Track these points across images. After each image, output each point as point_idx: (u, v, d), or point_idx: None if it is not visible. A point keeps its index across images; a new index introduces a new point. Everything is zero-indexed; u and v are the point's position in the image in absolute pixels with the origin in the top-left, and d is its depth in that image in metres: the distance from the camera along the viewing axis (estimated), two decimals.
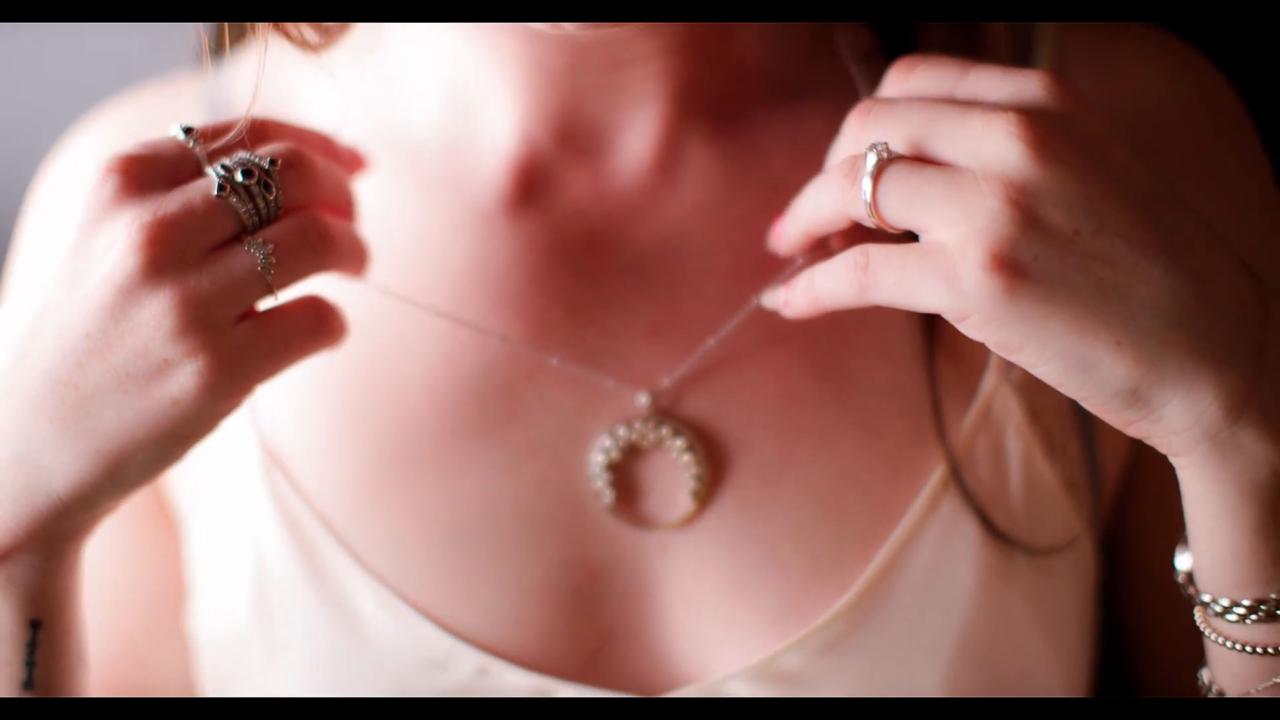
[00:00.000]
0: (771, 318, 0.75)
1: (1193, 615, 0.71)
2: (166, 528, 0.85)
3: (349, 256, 0.73)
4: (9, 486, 0.68)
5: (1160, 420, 0.64)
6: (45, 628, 0.73)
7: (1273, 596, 0.68)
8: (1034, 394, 0.78)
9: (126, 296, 0.65)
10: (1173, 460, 0.67)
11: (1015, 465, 0.77)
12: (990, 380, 0.77)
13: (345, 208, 0.75)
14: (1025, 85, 0.65)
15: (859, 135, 0.67)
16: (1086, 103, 0.65)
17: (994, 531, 0.76)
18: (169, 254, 0.65)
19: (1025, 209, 0.61)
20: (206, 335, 0.66)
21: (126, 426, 0.66)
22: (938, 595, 0.75)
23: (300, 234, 0.69)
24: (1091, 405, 0.65)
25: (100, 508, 0.70)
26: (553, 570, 0.76)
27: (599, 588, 0.76)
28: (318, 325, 0.71)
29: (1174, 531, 0.74)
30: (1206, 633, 0.71)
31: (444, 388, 0.77)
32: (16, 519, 0.68)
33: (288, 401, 0.79)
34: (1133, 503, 0.85)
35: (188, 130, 0.70)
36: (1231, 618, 0.69)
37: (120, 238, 0.66)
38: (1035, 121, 0.62)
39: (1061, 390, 0.64)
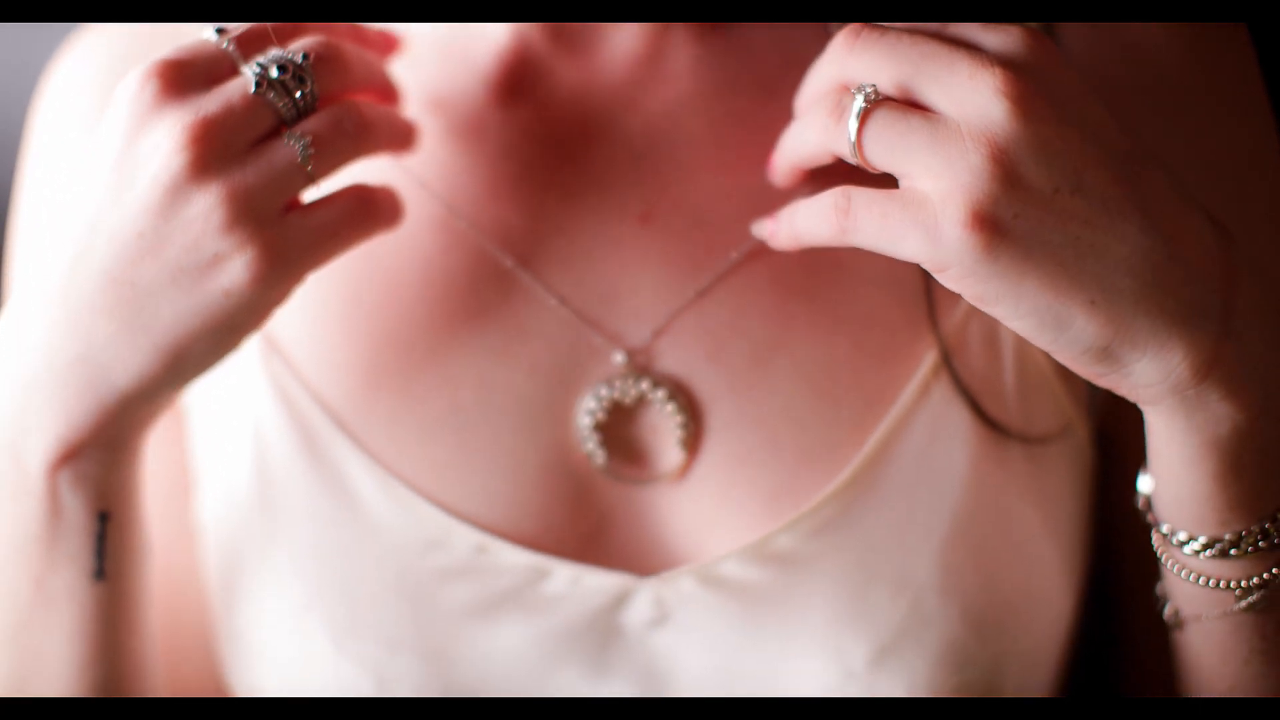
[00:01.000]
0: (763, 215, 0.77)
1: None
2: (173, 420, 0.85)
3: (389, 138, 0.74)
4: (74, 384, 0.70)
5: (1129, 376, 0.66)
6: (113, 519, 0.75)
7: (1227, 536, 0.71)
8: None
9: (175, 195, 0.67)
10: (1140, 406, 0.69)
11: (1008, 352, 0.78)
12: None
13: (382, 90, 0.76)
14: (1009, 38, 0.66)
15: (845, 62, 0.67)
16: (1066, 62, 0.66)
17: (985, 419, 0.76)
18: (212, 151, 0.67)
19: (1007, 166, 0.62)
20: (254, 227, 0.68)
21: (182, 320, 0.69)
22: (930, 478, 0.76)
23: (336, 123, 0.71)
24: (1062, 358, 0.66)
25: (161, 400, 0.72)
26: (549, 452, 0.77)
27: (595, 470, 0.77)
28: (364, 212, 0.72)
29: None
30: (1164, 559, 0.74)
31: (439, 274, 0.78)
32: (84, 415, 0.71)
33: None
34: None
35: (220, 31, 0.71)
36: (1188, 550, 0.72)
37: (164, 139, 0.67)
38: (1020, 78, 0.63)
39: (1034, 343, 0.66)
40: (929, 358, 0.77)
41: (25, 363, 0.71)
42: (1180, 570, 0.74)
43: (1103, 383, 0.67)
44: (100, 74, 0.85)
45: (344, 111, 0.71)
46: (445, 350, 0.77)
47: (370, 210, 0.73)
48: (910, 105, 0.65)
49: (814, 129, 0.68)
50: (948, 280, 0.64)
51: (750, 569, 0.76)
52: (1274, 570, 0.72)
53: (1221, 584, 0.73)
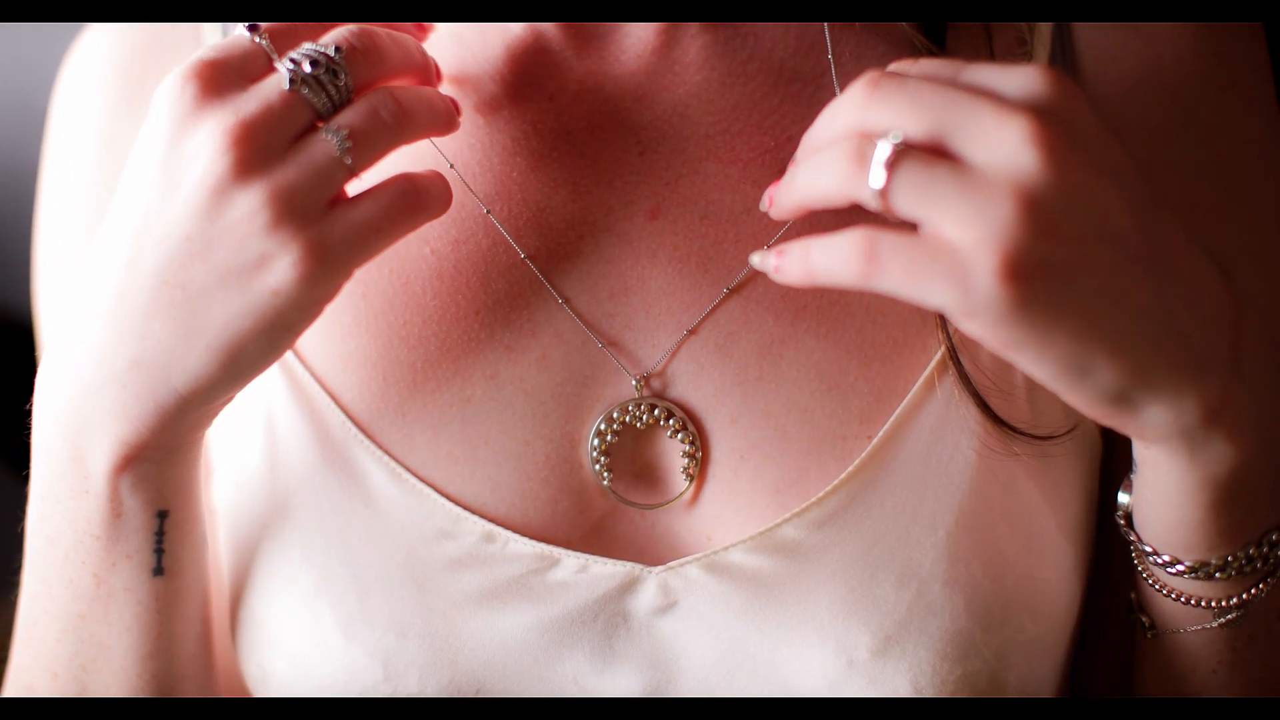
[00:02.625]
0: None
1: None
2: None
3: (429, 121, 0.73)
4: (132, 388, 0.71)
5: (1139, 418, 0.66)
6: (171, 516, 0.77)
7: (1213, 561, 0.73)
8: None
9: (219, 197, 0.68)
10: (1138, 445, 0.70)
11: None
12: None
13: (419, 72, 0.75)
14: (1031, 81, 0.64)
15: (865, 110, 0.65)
16: (1086, 101, 0.65)
17: (992, 416, 0.77)
18: (254, 152, 0.67)
19: (1039, 216, 0.61)
20: (298, 225, 0.68)
21: (234, 320, 0.69)
22: (937, 471, 0.77)
23: (372, 114, 0.70)
24: (1076, 403, 0.66)
25: (219, 399, 0.73)
26: (557, 445, 0.78)
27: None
28: (410, 203, 0.72)
29: None
30: (1144, 575, 0.77)
31: (450, 268, 0.78)
32: (143, 418, 0.72)
33: None
34: None
35: (253, 28, 0.71)
36: (1171, 571, 0.74)
37: (206, 143, 0.68)
38: (1048, 126, 0.62)
39: (1049, 388, 0.65)
40: (938, 352, 0.78)
41: (83, 366, 0.72)
42: (1161, 588, 0.76)
43: (1109, 423, 0.68)
44: (117, 61, 0.86)
45: (380, 100, 0.71)
46: (456, 343, 0.78)
47: (417, 200, 0.72)
48: (936, 153, 0.63)
49: (831, 174, 0.65)
50: (974, 327, 0.63)
51: (756, 558, 0.76)
52: (1253, 590, 0.75)
53: (1201, 603, 0.76)
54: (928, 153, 0.63)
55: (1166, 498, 0.72)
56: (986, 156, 0.62)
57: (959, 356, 0.77)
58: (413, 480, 0.78)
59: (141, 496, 0.75)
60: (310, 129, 0.70)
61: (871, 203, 0.63)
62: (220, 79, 0.69)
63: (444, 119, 0.74)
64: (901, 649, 0.75)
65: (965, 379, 0.77)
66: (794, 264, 0.66)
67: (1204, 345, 0.65)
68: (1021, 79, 0.64)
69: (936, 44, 0.79)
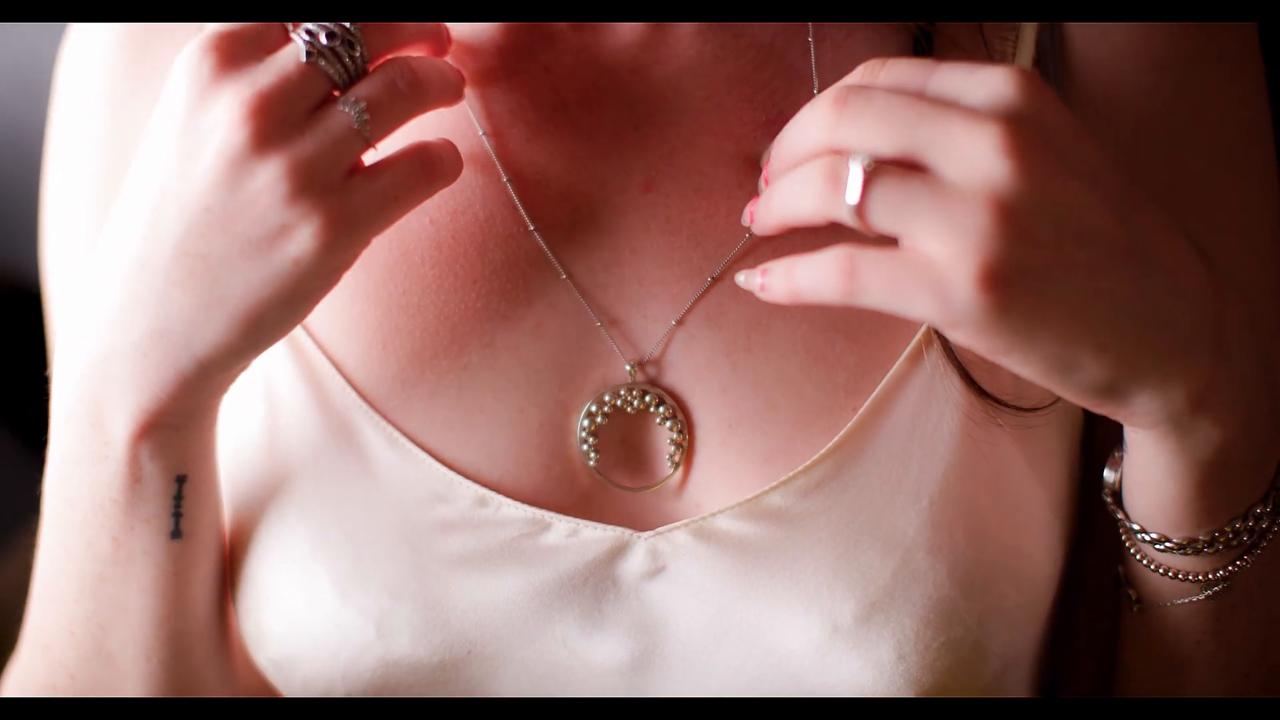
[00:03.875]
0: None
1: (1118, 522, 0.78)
2: None
3: (442, 92, 0.74)
4: (153, 356, 0.73)
5: (1129, 407, 0.68)
6: (189, 481, 0.78)
7: (1200, 537, 0.75)
8: None
9: (238, 169, 0.69)
10: (1128, 429, 0.72)
11: None
12: None
13: (432, 42, 0.76)
14: (998, 86, 0.64)
15: (835, 128, 0.66)
16: (1056, 101, 0.65)
17: (976, 388, 0.78)
18: (272, 124, 0.69)
19: (1013, 224, 0.62)
20: (317, 196, 0.69)
21: (254, 289, 0.70)
22: (922, 441, 0.78)
23: (388, 85, 0.71)
24: (1066, 395, 0.68)
25: (238, 366, 0.75)
26: (551, 412, 0.79)
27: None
28: (425, 172, 0.73)
29: None
30: (1131, 550, 0.78)
31: (448, 237, 0.80)
32: (163, 385, 0.73)
33: None
34: None
35: None
36: (1159, 547, 0.76)
37: (224, 114, 0.69)
38: (1018, 133, 0.63)
39: (1039, 384, 0.67)
40: (924, 325, 0.79)
41: (103, 336, 0.73)
42: (1148, 563, 0.78)
43: (1099, 411, 0.69)
44: (121, 28, 0.86)
45: (396, 71, 0.72)
46: (454, 312, 0.79)
47: (431, 169, 0.73)
48: (907, 167, 0.64)
49: (808, 195, 0.66)
50: (958, 336, 0.64)
51: (744, 524, 0.78)
52: (1239, 563, 0.77)
53: (1189, 577, 0.78)
54: (901, 168, 0.64)
55: (1155, 478, 0.74)
56: (958, 169, 0.63)
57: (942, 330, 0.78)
58: (409, 445, 0.79)
59: (161, 462, 0.77)
60: (327, 100, 0.71)
61: (849, 221, 0.65)
62: (238, 50, 0.70)
63: (455, 89, 0.76)
64: (886, 615, 0.76)
65: (950, 352, 0.78)
66: (778, 282, 0.68)
67: (1188, 331, 0.67)
68: (990, 85, 0.64)
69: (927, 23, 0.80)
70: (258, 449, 0.82)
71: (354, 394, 0.80)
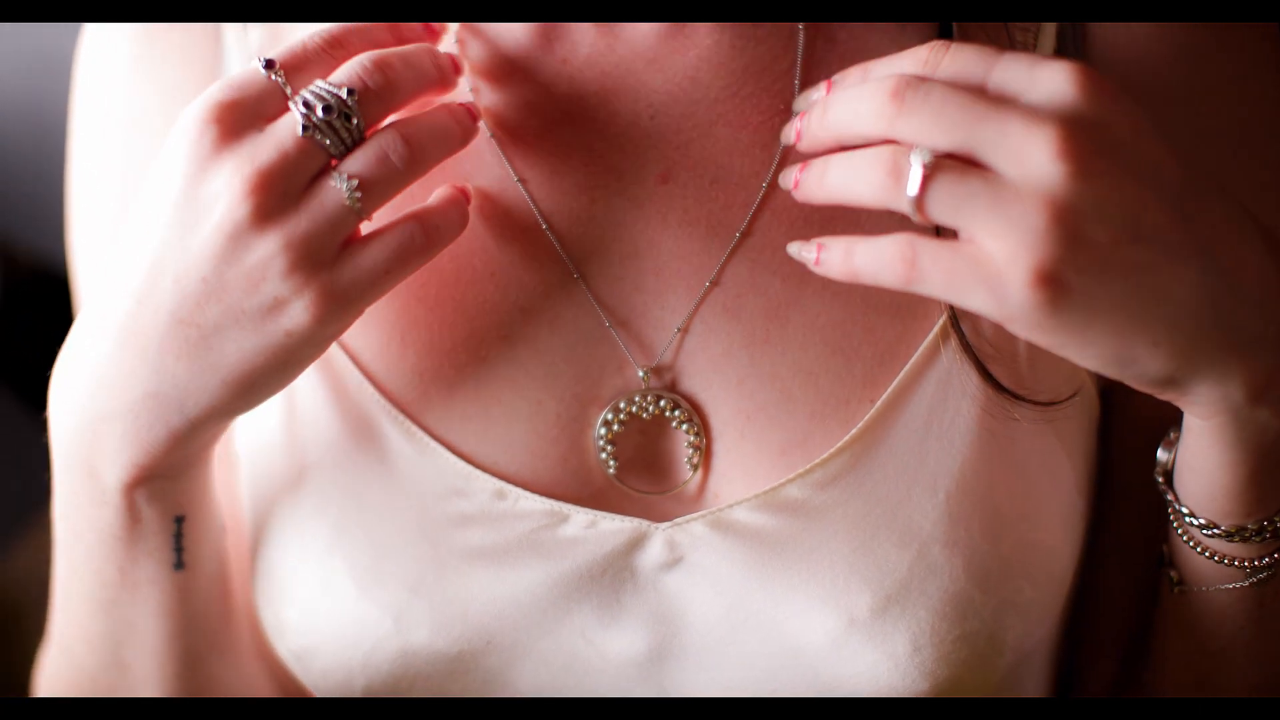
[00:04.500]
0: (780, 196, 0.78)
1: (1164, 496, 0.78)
2: None
3: (440, 152, 0.75)
4: (146, 418, 0.74)
5: (1189, 397, 0.69)
6: (188, 520, 0.80)
7: (1250, 526, 0.75)
8: None
9: (237, 242, 0.70)
10: (1187, 415, 0.73)
11: None
12: None
13: (434, 87, 0.76)
14: (1057, 83, 0.65)
15: (894, 119, 0.67)
16: (1117, 98, 0.66)
17: (993, 383, 0.78)
18: (271, 201, 0.70)
19: (1068, 226, 0.63)
20: (312, 271, 0.70)
21: (247, 357, 0.72)
22: (939, 434, 0.78)
23: (380, 159, 0.72)
24: (1128, 383, 0.69)
25: (230, 421, 0.76)
26: (568, 404, 0.79)
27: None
28: (415, 244, 0.74)
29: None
30: (1179, 532, 0.79)
31: (466, 231, 0.79)
32: (156, 443, 0.75)
33: None
34: None
35: (269, 64, 0.73)
36: (1206, 532, 0.77)
37: (225, 189, 0.70)
38: (1074, 136, 0.63)
39: (1099, 372, 0.68)
40: (942, 316, 0.79)
41: (95, 396, 0.75)
42: (1195, 546, 0.79)
43: (1162, 398, 0.70)
44: (137, 27, 0.87)
45: (389, 144, 0.72)
46: (471, 304, 0.79)
47: (425, 240, 0.74)
48: (967, 164, 0.65)
49: (867, 184, 0.67)
50: (1014, 330, 0.66)
51: (761, 516, 0.78)
52: None
53: (1235, 562, 0.78)
54: (960, 164, 0.65)
55: (1209, 466, 0.75)
56: (1016, 170, 0.64)
57: (960, 324, 0.78)
58: (426, 439, 0.79)
59: (158, 506, 0.79)
60: (323, 171, 0.72)
61: (909, 212, 0.66)
62: (238, 122, 0.71)
63: (457, 140, 0.76)
64: (901, 608, 0.76)
65: (967, 346, 0.78)
66: (837, 260, 0.69)
67: (1249, 329, 0.67)
68: (1050, 83, 0.65)
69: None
70: (276, 443, 0.82)
71: (371, 388, 0.80)
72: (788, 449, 0.78)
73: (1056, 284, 0.63)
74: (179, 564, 0.81)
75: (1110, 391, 0.85)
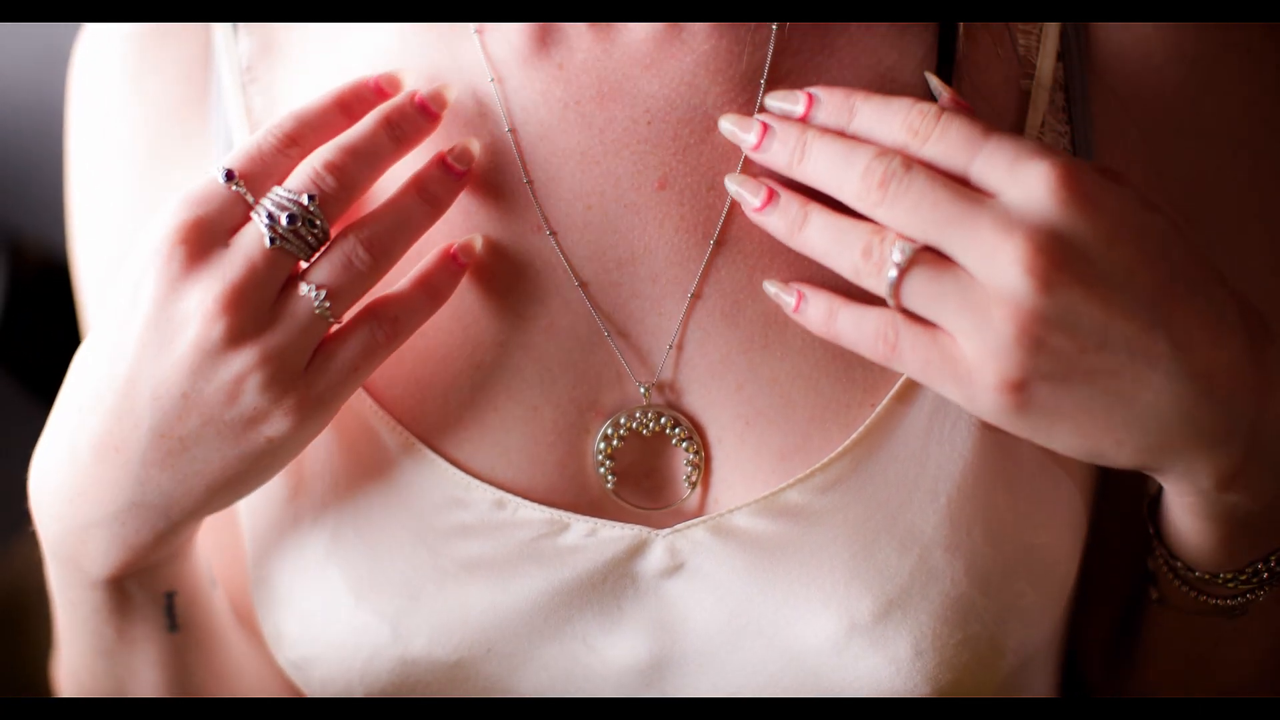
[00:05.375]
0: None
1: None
2: None
3: (409, 241, 0.76)
4: (131, 524, 0.77)
5: (1160, 478, 0.73)
6: (178, 594, 0.83)
7: (1223, 575, 0.78)
8: None
9: (213, 359, 0.72)
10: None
11: None
12: None
13: (398, 156, 0.77)
14: (1035, 186, 0.66)
15: (876, 206, 0.69)
16: (1095, 202, 0.66)
17: None
18: (244, 317, 0.72)
19: (1034, 336, 0.65)
20: (289, 382, 0.73)
21: (230, 464, 0.74)
22: (940, 439, 0.78)
23: (346, 267, 0.74)
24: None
25: (211, 515, 0.79)
26: (564, 410, 0.79)
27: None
28: (383, 337, 0.75)
29: None
30: (1159, 557, 0.81)
31: (459, 237, 0.79)
32: (140, 545, 0.78)
33: None
34: None
35: (229, 175, 0.74)
36: (1181, 569, 0.80)
37: (198, 308, 0.72)
38: (1044, 249, 0.65)
39: None
40: None
41: (77, 505, 0.77)
42: (1173, 577, 0.81)
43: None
44: (129, 35, 0.87)
45: (351, 252, 0.74)
46: (466, 311, 0.79)
47: (392, 331, 0.76)
48: (943, 259, 0.68)
49: (845, 259, 0.70)
50: (985, 419, 0.69)
51: (761, 521, 0.78)
52: (1260, 592, 0.79)
53: (1210, 599, 0.80)
54: (936, 258, 0.67)
55: (1183, 528, 0.78)
56: (986, 276, 0.66)
57: None
58: (424, 450, 0.79)
59: (148, 589, 0.82)
60: (292, 279, 0.73)
61: (884, 296, 0.69)
62: (204, 240, 0.72)
63: (421, 222, 0.76)
64: (903, 613, 0.76)
65: None
66: (818, 318, 0.73)
67: (1217, 427, 0.68)
68: (1027, 184, 0.67)
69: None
70: None
71: (368, 397, 0.80)
72: (788, 454, 0.78)
73: (1022, 391, 0.66)
74: (173, 627, 0.84)
75: None
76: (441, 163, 0.77)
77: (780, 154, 0.73)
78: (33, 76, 1.39)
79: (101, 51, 0.88)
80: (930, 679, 0.77)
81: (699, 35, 0.77)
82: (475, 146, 0.78)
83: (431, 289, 0.77)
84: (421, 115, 0.77)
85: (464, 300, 0.79)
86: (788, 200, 0.73)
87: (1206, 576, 0.79)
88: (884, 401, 0.78)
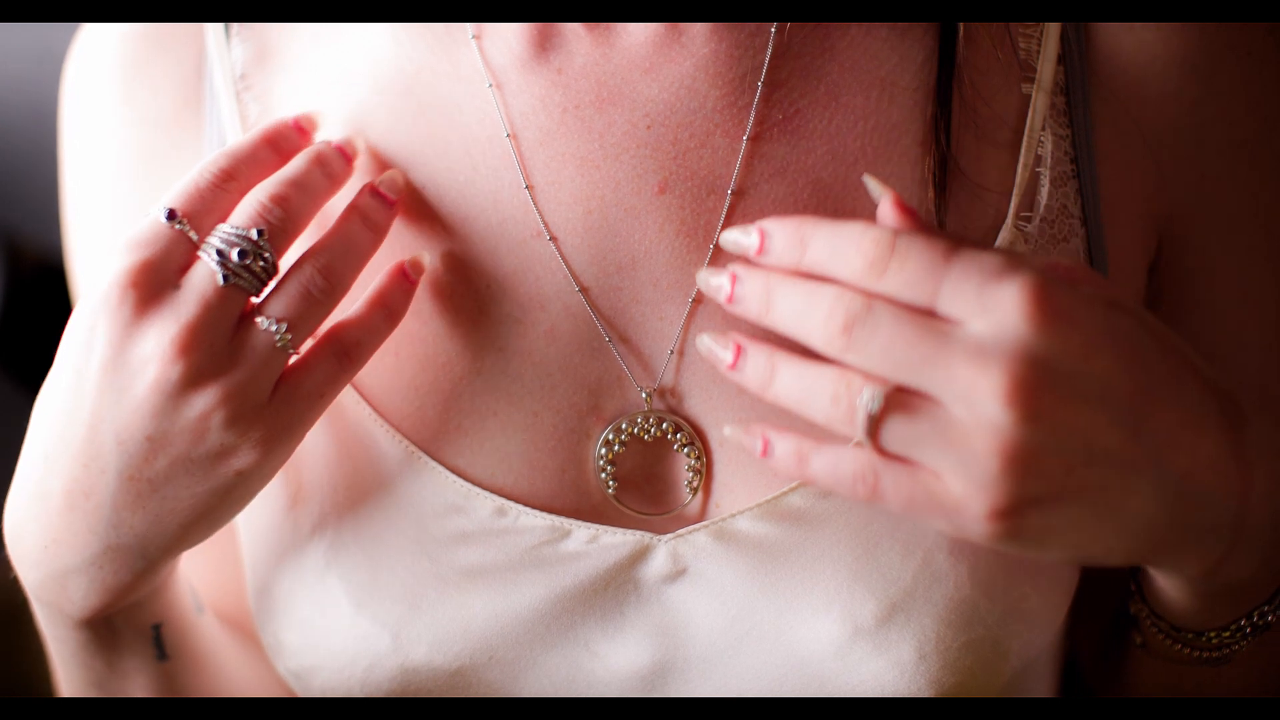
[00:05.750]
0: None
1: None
2: None
3: (358, 267, 0.76)
4: (109, 567, 0.77)
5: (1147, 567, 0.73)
6: (165, 625, 0.84)
7: (1207, 634, 0.81)
8: (1048, 246, 0.79)
9: (176, 401, 0.72)
10: None
11: None
12: (1004, 236, 0.78)
13: (331, 193, 0.78)
14: (1005, 312, 0.64)
15: (843, 351, 0.66)
16: (1067, 318, 0.65)
17: None
18: (203, 357, 0.71)
19: (1021, 465, 0.64)
20: (254, 416, 0.73)
21: (201, 499, 0.74)
22: None
23: (303, 295, 0.74)
24: None
25: (187, 550, 0.79)
26: (565, 416, 0.79)
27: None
28: (342, 364, 0.75)
29: None
30: (1141, 607, 0.83)
31: (459, 243, 0.79)
32: (120, 587, 0.78)
33: None
34: None
35: (171, 214, 0.73)
36: (1170, 630, 0.82)
37: (155, 352, 0.71)
38: (1023, 378, 0.63)
39: None
40: None
41: (52, 553, 0.77)
42: (1156, 630, 0.83)
43: None
44: (121, 42, 0.86)
45: (309, 280, 0.74)
46: (466, 317, 0.79)
47: (349, 358, 0.75)
48: (916, 396, 0.65)
49: (818, 407, 0.67)
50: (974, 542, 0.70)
51: (763, 525, 0.78)
52: (1237, 646, 0.81)
53: (1189, 651, 0.82)
54: (909, 397, 0.65)
55: (1168, 593, 0.79)
56: (965, 413, 0.64)
57: None
58: (424, 457, 0.79)
59: (133, 624, 0.82)
60: (247, 314, 0.73)
61: (862, 443, 0.66)
62: (154, 283, 0.72)
63: (370, 245, 0.77)
64: (907, 616, 0.76)
65: None
66: (787, 462, 0.70)
67: (1201, 523, 0.69)
68: (998, 311, 0.64)
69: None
70: None
71: (366, 406, 0.80)
72: None
73: (1013, 517, 0.65)
74: (162, 656, 0.84)
75: None
76: (374, 191, 0.77)
77: (751, 306, 0.69)
78: (30, 77, 1.39)
79: (94, 60, 0.87)
80: (934, 682, 0.77)
81: (698, 39, 0.77)
82: (400, 178, 0.79)
83: (387, 309, 0.77)
84: (342, 157, 0.78)
85: (464, 307, 0.79)
86: (755, 354, 0.70)
87: (1190, 635, 0.81)
88: None
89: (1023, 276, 0.64)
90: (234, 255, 0.72)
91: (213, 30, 0.84)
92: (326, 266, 0.74)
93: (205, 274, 0.72)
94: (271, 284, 0.74)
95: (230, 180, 0.75)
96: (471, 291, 0.79)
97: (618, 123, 0.78)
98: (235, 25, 0.84)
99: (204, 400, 0.71)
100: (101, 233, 0.89)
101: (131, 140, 0.86)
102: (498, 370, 0.79)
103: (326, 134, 0.80)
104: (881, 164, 0.77)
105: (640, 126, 0.78)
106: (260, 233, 0.73)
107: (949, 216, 0.78)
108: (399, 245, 0.79)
